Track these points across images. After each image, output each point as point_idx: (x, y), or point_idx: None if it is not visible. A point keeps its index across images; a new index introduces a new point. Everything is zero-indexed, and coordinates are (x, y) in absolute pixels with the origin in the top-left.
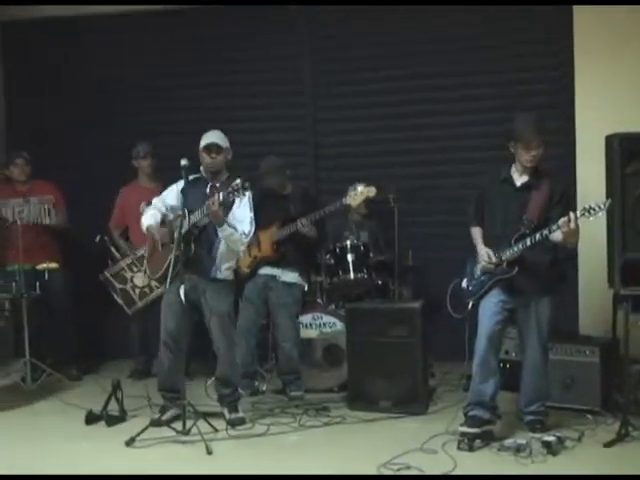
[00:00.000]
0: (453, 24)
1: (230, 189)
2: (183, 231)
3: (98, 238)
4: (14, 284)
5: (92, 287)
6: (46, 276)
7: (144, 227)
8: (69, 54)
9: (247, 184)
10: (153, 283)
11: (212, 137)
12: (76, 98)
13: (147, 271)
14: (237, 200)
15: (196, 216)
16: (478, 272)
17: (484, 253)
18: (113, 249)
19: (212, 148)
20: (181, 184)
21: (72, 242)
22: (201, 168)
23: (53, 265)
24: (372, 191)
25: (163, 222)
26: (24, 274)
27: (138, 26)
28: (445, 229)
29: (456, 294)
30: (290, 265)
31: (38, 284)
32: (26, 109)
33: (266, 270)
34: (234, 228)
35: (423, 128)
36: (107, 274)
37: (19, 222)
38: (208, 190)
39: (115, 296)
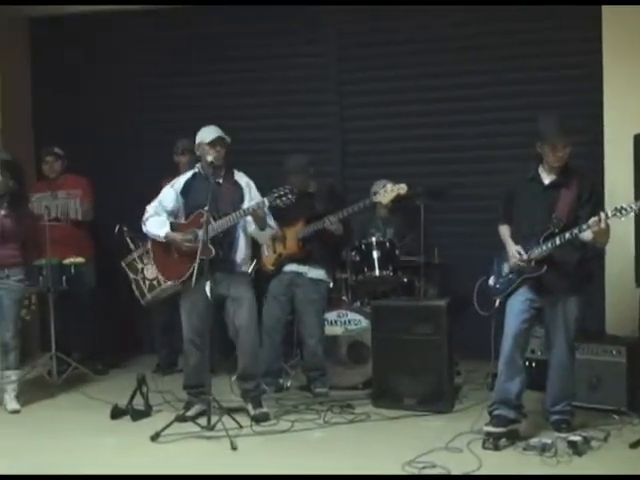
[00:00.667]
0: (478, 22)
1: (277, 194)
2: (212, 235)
3: (117, 228)
4: (41, 278)
5: (119, 282)
6: (72, 270)
7: (161, 236)
8: (98, 50)
9: (295, 190)
10: (161, 277)
11: (216, 132)
12: (103, 94)
13: (163, 276)
14: (246, 194)
15: (230, 220)
16: (506, 270)
17: (514, 251)
18: (129, 240)
19: (218, 142)
20: (177, 185)
21: (99, 237)
22: (197, 164)
23: (79, 260)
24: (403, 188)
25: (172, 230)
26: (51, 268)
27: (165, 23)
28: (471, 227)
29: (483, 292)
30: (316, 262)
31: (65, 278)
32: (53, 104)
33: (292, 267)
34: (271, 227)
35: (450, 125)
36: (123, 264)
37: (46, 217)
38: (213, 187)
39: (133, 287)
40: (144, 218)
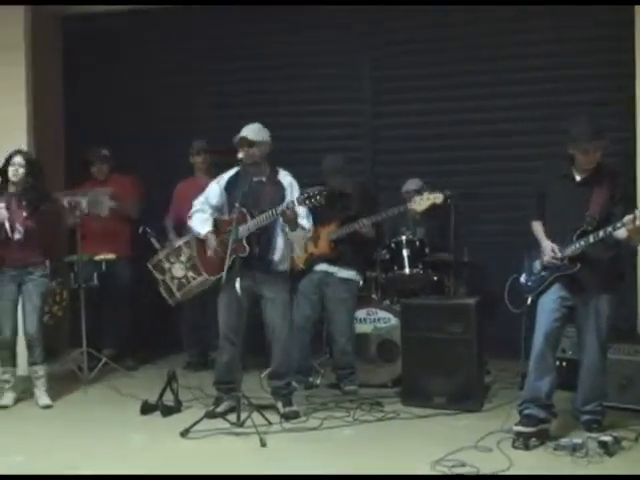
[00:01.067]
0: (510, 19)
1: (306, 196)
2: (247, 234)
3: (141, 230)
4: (72, 275)
5: (152, 279)
6: (103, 267)
7: (201, 234)
8: (129, 48)
9: (324, 192)
10: (190, 274)
11: (244, 131)
12: (135, 93)
13: (201, 270)
14: (288, 194)
15: (264, 219)
16: (538, 267)
17: (549, 248)
18: (154, 240)
19: (243, 142)
20: (222, 181)
21: (136, 235)
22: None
23: (110, 256)
24: (439, 198)
25: (216, 226)
26: (82, 265)
27: (198, 22)
28: (501, 225)
29: (514, 289)
30: (347, 263)
31: (96, 275)
32: (86, 103)
33: (322, 267)
34: (303, 227)
35: (482, 124)
36: (149, 266)
37: (77, 213)
38: (254, 185)
39: (159, 288)
40: (190, 213)
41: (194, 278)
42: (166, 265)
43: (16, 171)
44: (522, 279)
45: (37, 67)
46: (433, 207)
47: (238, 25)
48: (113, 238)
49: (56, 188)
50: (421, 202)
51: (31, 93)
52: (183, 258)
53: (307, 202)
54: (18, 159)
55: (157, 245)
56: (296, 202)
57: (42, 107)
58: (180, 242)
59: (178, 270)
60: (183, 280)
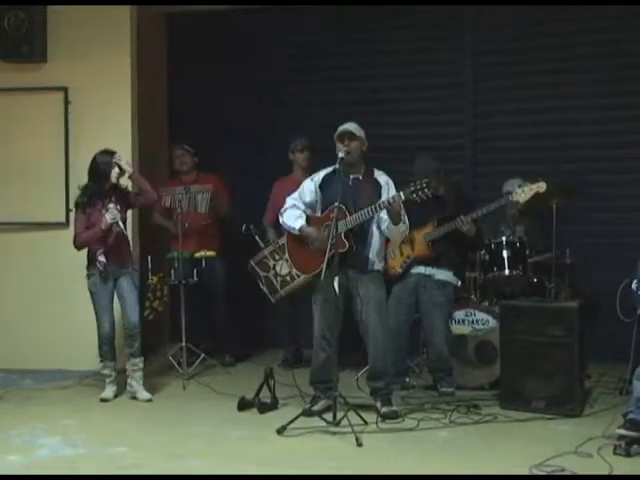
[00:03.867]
0: (615, 17)
1: (413, 188)
2: (346, 229)
3: (244, 227)
4: (172, 271)
5: (249, 276)
6: (203, 264)
7: (295, 229)
8: (233, 47)
9: (432, 184)
10: (294, 272)
11: (345, 126)
12: (239, 91)
13: (294, 268)
14: (384, 193)
15: (364, 215)
16: None
17: None
18: (257, 238)
19: (345, 135)
20: (317, 178)
21: (232, 232)
22: (337, 161)
23: (210, 253)
24: (542, 187)
25: (307, 223)
26: (182, 261)
27: (303, 21)
28: (611, 227)
29: (626, 296)
30: (445, 264)
31: (196, 271)
32: (190, 100)
33: (419, 269)
34: (404, 222)
35: (585, 123)
36: (252, 263)
37: (179, 210)
38: (351, 183)
39: (260, 284)
40: (282, 209)
41: (298, 276)
42: (271, 262)
43: (117, 173)
44: (633, 286)
45: (142, 63)
46: (536, 197)
47: (342, 24)
48: (207, 235)
49: (160, 179)
50: (523, 194)
51: (136, 88)
52: (288, 256)
53: (414, 195)
54: (114, 160)
55: (261, 243)
56: (402, 195)
57: (147, 105)
58: (284, 240)
59: (283, 267)
60: (287, 278)
